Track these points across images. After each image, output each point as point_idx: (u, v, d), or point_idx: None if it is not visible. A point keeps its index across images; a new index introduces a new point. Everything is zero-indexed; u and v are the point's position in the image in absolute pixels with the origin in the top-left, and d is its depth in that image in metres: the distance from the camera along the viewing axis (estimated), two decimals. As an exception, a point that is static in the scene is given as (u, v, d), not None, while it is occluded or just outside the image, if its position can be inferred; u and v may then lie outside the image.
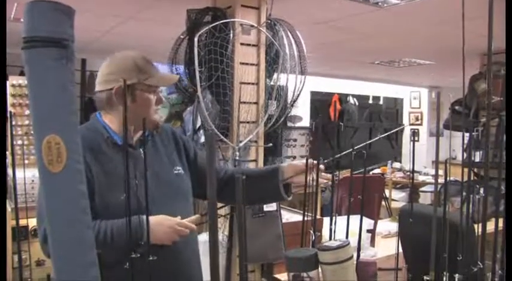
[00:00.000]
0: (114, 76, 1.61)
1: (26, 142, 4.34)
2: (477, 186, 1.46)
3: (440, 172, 1.75)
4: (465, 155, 1.94)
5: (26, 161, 4.05)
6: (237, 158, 2.01)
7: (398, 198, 7.46)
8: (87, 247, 0.82)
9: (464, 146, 1.78)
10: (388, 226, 3.43)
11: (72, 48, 0.80)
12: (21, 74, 4.51)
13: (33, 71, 0.78)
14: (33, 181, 3.72)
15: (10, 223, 3.27)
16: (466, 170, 1.53)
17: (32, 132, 1.24)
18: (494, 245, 1.13)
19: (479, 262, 1.14)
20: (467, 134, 1.86)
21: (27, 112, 4.42)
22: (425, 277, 1.26)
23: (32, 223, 3.46)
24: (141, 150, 1.61)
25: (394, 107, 10.01)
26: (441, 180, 1.72)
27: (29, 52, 0.78)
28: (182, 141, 1.89)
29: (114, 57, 1.68)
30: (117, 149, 1.62)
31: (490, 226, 1.28)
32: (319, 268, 1.45)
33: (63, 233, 0.79)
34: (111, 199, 1.54)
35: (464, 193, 1.51)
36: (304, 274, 1.46)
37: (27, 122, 4.36)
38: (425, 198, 7.36)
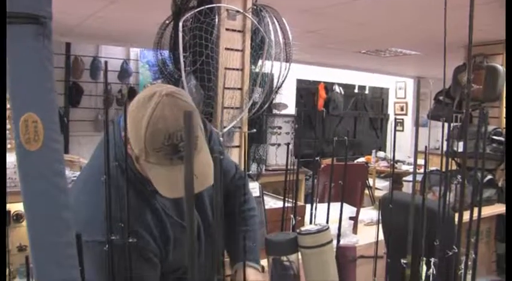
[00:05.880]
0: None
1: (8, 126, 4.28)
2: (459, 176, 1.47)
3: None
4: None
5: (8, 146, 4.00)
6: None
7: (381, 187, 7.53)
8: (63, 226, 0.81)
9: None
10: (370, 213, 3.47)
11: (50, 26, 0.79)
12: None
13: (10, 48, 0.77)
14: (15, 165, 3.67)
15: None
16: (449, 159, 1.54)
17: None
18: (469, 230, 1.16)
19: (454, 246, 1.17)
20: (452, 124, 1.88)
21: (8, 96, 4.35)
22: (402, 260, 1.28)
23: (14, 208, 3.44)
24: None
25: (379, 96, 10.08)
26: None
27: (6, 28, 0.77)
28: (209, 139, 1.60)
29: None
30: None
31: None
32: (299, 252, 1.46)
33: (40, 211, 0.79)
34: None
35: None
36: (284, 258, 1.47)
37: (8, 105, 4.29)
38: (409, 187, 7.42)
